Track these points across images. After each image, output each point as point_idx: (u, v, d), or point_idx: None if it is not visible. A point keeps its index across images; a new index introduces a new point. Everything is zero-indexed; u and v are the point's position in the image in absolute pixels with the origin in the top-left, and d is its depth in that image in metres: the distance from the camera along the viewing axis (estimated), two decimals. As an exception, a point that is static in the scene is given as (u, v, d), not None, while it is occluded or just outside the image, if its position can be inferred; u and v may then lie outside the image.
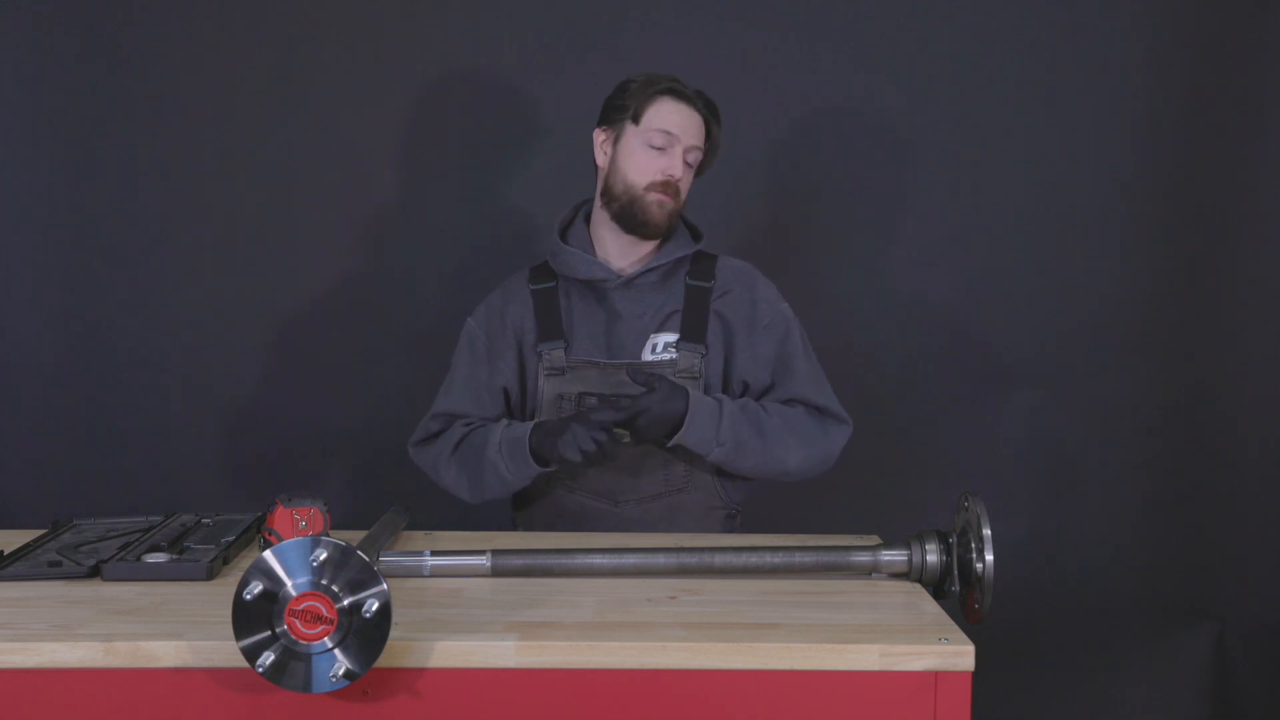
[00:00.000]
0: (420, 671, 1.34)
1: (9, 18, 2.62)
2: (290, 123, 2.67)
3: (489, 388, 2.08)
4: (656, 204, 2.00)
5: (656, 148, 2.00)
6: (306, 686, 1.28)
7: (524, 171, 2.67)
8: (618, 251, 2.07)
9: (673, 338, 2.04)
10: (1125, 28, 2.64)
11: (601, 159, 2.07)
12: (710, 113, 2.06)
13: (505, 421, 2.02)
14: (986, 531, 1.52)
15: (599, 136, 2.07)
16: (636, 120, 2.01)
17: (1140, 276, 2.71)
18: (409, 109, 2.68)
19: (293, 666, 1.28)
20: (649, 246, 2.08)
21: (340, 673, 1.28)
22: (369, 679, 1.31)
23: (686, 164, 2.02)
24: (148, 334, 2.70)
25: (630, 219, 2.01)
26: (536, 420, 2.01)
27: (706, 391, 2.02)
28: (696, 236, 2.12)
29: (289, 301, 2.71)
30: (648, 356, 2.04)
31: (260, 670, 1.27)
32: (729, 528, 2.11)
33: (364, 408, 2.70)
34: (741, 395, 2.07)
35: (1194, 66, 2.64)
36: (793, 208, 2.74)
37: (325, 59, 2.65)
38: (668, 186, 2.00)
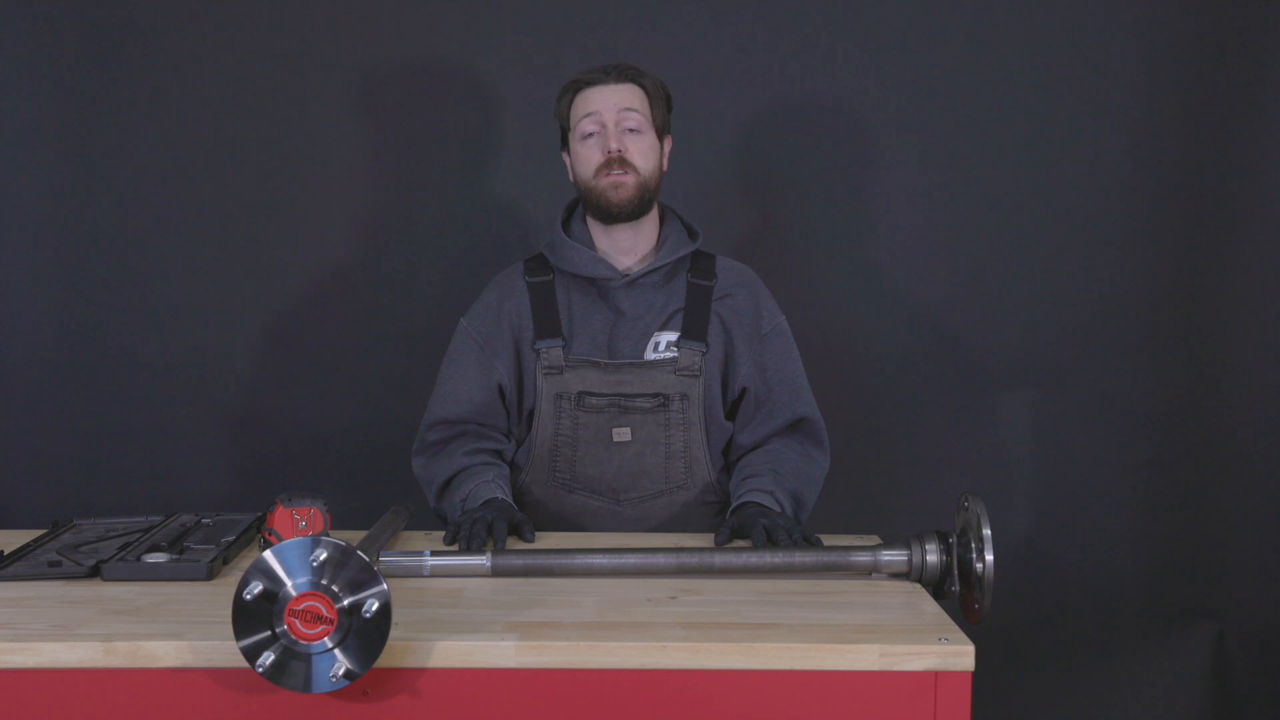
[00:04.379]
0: (420, 671, 1.34)
1: (9, 18, 2.61)
2: (289, 122, 2.66)
3: (484, 388, 2.07)
4: (611, 186, 2.01)
5: (590, 135, 2.04)
6: (306, 686, 1.28)
7: (523, 170, 2.67)
8: (615, 251, 2.09)
9: (674, 336, 2.06)
10: (1125, 28, 2.64)
11: (570, 175, 2.12)
12: (628, 76, 2.04)
13: (484, 476, 1.98)
14: (986, 531, 1.52)
15: (565, 160, 2.14)
16: (570, 128, 2.08)
17: (1140, 276, 2.71)
18: (407, 107, 2.68)
19: (293, 666, 1.28)
20: (648, 244, 2.09)
21: (340, 673, 1.28)
22: (369, 679, 1.31)
23: (629, 131, 2.03)
24: (148, 333, 2.70)
25: (598, 210, 2.04)
26: (490, 498, 1.93)
27: (706, 389, 2.04)
28: (693, 235, 2.14)
29: (288, 301, 2.71)
30: (650, 355, 2.05)
31: (260, 670, 1.27)
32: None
33: (364, 408, 2.70)
34: (739, 400, 2.10)
35: (1194, 66, 2.63)
36: (789, 207, 2.73)
37: (324, 58, 2.65)
38: (612, 164, 2.01)
